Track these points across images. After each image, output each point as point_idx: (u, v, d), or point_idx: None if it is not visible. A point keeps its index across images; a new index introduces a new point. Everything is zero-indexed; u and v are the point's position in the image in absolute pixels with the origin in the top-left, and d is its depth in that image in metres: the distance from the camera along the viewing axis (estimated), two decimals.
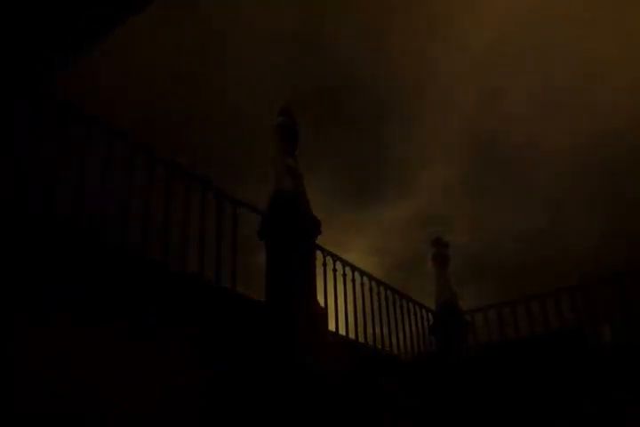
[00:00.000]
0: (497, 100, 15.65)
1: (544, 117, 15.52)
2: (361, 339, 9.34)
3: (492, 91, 15.57)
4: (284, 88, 13.98)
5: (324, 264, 8.90)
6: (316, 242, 8.56)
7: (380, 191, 15.88)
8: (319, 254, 8.81)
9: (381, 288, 10.02)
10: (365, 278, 9.73)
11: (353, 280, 9.44)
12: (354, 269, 9.51)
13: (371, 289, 9.79)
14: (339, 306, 8.98)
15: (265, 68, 15.05)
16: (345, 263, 9.33)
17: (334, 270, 9.04)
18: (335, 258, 9.14)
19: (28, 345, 5.37)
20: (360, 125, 15.90)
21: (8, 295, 5.38)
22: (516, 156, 15.57)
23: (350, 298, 9.28)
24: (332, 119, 15.50)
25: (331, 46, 15.42)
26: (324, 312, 8.21)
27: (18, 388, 5.25)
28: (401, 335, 10.19)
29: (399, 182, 15.88)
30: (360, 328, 9.28)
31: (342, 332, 8.90)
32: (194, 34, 14.44)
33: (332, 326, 8.68)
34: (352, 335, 9.08)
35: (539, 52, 15.28)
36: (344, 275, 9.24)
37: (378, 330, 9.67)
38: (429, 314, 11.01)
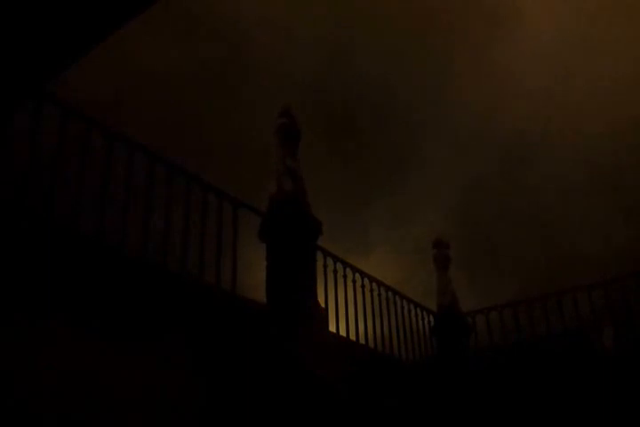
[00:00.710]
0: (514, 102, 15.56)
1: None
2: (362, 341, 9.32)
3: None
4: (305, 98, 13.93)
5: (325, 266, 8.85)
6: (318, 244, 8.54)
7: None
8: (320, 257, 8.77)
9: (382, 290, 9.98)
10: (366, 280, 9.69)
11: (354, 282, 9.40)
12: (355, 270, 9.46)
13: (372, 291, 9.75)
14: (340, 308, 8.95)
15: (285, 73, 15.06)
16: (346, 265, 9.28)
17: (335, 271, 8.99)
18: (336, 260, 9.09)
19: (28, 345, 5.35)
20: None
21: (9, 296, 5.35)
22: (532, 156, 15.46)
23: (351, 300, 9.24)
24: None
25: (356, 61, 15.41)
26: (324, 314, 8.17)
27: (17, 388, 5.23)
28: (402, 337, 10.14)
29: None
30: (361, 330, 9.25)
31: (343, 333, 8.87)
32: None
33: (332, 328, 8.64)
34: (353, 337, 9.04)
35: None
36: (344, 276, 9.20)
37: (379, 332, 9.64)
38: (431, 316, 10.96)
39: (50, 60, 5.44)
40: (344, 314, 8.99)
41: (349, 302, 9.19)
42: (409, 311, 10.49)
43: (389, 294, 10.11)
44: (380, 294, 9.89)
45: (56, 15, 4.66)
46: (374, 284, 9.84)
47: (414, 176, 15.77)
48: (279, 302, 7.48)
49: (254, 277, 8.00)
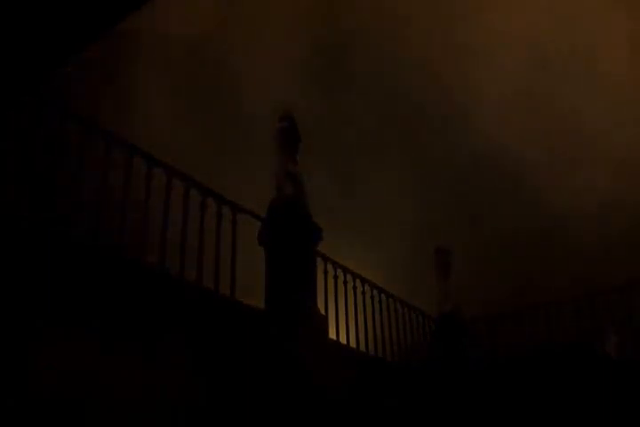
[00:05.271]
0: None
1: None
2: (362, 347, 9.29)
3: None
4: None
5: (325, 272, 8.84)
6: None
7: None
8: (321, 262, 8.76)
9: (383, 296, 9.96)
10: (367, 286, 9.67)
11: (354, 288, 9.39)
12: (355, 276, 9.45)
13: (372, 297, 9.73)
14: (339, 313, 8.93)
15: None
16: (346, 271, 9.27)
17: (335, 277, 8.98)
18: (336, 265, 9.08)
19: (28, 345, 5.36)
20: None
21: (8, 296, 5.37)
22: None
23: (351, 306, 9.22)
24: None
25: None
26: (324, 320, 8.17)
27: (17, 388, 5.24)
28: (403, 344, 10.11)
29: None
30: (361, 336, 9.22)
31: (343, 340, 8.84)
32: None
33: (332, 334, 8.62)
34: (353, 343, 9.02)
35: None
36: (345, 282, 9.19)
37: (379, 338, 9.61)
38: (432, 323, 10.93)
39: (48, 61, 5.47)
40: (344, 320, 8.98)
41: (349, 309, 9.17)
42: (410, 318, 10.46)
43: (390, 300, 10.09)
44: (380, 301, 9.87)
45: (51, 14, 4.69)
46: (375, 291, 9.82)
47: None
48: (279, 303, 7.48)
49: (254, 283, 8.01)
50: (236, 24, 15.43)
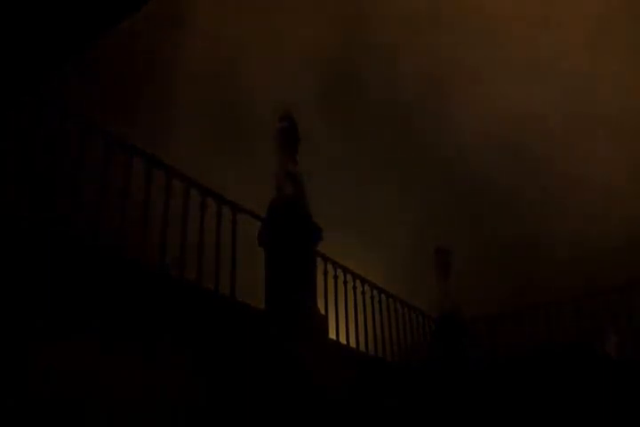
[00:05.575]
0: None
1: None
2: (362, 347, 9.29)
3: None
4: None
5: (325, 272, 8.84)
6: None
7: None
8: (321, 262, 8.76)
9: (383, 296, 9.95)
10: (367, 286, 9.67)
11: (354, 288, 9.38)
12: (355, 276, 9.44)
13: (372, 297, 9.73)
14: (339, 313, 8.93)
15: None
16: (346, 271, 9.27)
17: (335, 277, 8.98)
18: (336, 265, 9.08)
19: (28, 345, 5.36)
20: None
21: (8, 296, 5.37)
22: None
23: (351, 306, 9.22)
24: None
25: None
26: (324, 320, 8.17)
27: (17, 388, 5.24)
28: (403, 344, 10.11)
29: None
30: (361, 337, 9.22)
31: (343, 340, 8.84)
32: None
33: (332, 335, 8.63)
34: (353, 344, 9.02)
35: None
36: (345, 282, 9.18)
37: (379, 338, 9.61)
38: (432, 323, 10.93)
39: (47, 61, 5.47)
40: (344, 320, 8.98)
41: (349, 309, 9.17)
42: (410, 318, 10.45)
43: (390, 300, 10.09)
44: (380, 301, 9.87)
45: (51, 14, 4.68)
46: (375, 291, 9.82)
47: None
48: (279, 303, 7.49)
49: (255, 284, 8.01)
50: (237, 26, 15.44)
